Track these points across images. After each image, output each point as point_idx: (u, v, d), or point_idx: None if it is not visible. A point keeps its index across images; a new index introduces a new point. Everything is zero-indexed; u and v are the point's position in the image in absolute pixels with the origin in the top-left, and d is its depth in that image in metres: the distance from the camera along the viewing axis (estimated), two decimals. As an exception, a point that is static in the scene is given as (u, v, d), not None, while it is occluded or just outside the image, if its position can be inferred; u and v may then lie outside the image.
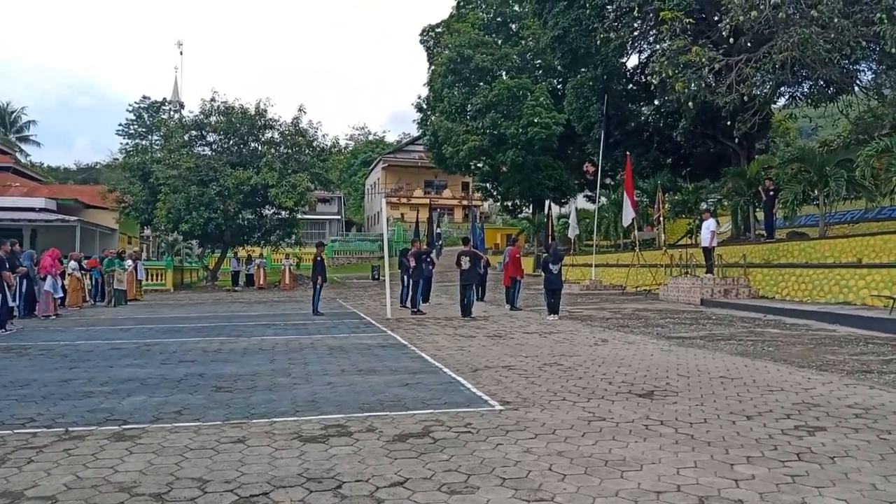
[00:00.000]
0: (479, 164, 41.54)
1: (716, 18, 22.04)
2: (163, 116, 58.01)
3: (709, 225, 18.54)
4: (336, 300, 22.44)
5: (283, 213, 33.24)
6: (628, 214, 24.26)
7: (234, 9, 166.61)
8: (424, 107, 43.76)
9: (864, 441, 4.85)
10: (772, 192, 20.16)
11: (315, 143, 34.42)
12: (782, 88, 23.58)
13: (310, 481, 4.03)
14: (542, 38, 31.85)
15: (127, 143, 58.07)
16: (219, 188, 29.95)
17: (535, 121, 34.88)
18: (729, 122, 22.30)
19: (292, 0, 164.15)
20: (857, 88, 22.33)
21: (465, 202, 61.81)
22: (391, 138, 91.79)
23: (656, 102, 29.36)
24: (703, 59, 18.56)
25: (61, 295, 18.23)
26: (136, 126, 68.34)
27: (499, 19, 42.13)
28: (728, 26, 18.32)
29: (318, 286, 17.02)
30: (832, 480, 4.00)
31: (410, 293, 17.23)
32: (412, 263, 16.88)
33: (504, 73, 38.52)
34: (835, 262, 16.37)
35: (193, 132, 33.54)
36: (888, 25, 16.16)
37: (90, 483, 4.01)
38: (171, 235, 39.83)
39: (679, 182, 30.59)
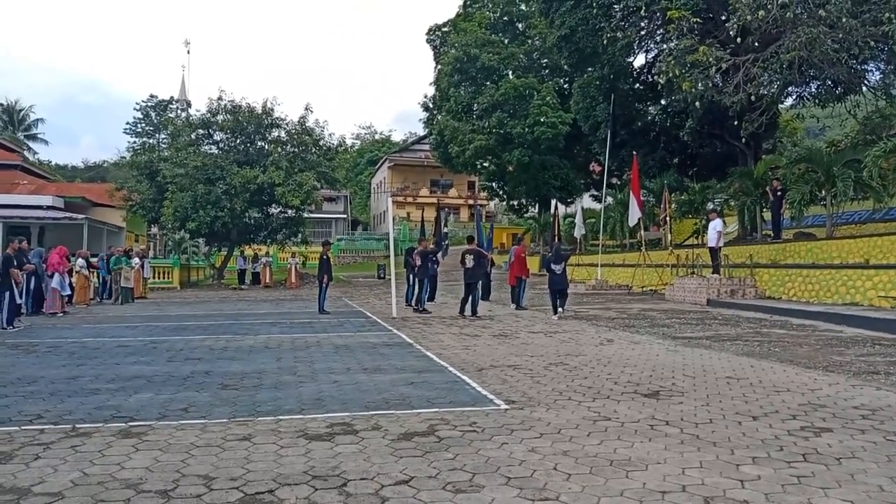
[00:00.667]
0: (486, 164, 41.52)
1: (723, 18, 21.97)
2: (170, 115, 58.17)
3: (715, 225, 18.48)
4: (342, 299, 22.47)
5: (290, 211, 33.32)
6: (634, 214, 24.20)
7: (243, 7, 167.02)
8: (431, 106, 43.80)
9: (870, 442, 4.83)
10: (779, 193, 20.08)
11: (321, 142, 34.48)
12: (790, 88, 23.49)
13: (315, 479, 4.04)
14: (548, 37, 31.80)
15: (134, 142, 58.14)
16: (226, 187, 30.04)
17: (542, 120, 34.84)
18: (736, 122, 22.24)
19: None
20: (865, 88, 22.23)
21: (470, 201, 61.77)
22: (397, 137, 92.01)
23: (663, 102, 29.27)
24: (711, 59, 18.49)
25: (69, 292, 18.31)
26: (143, 124, 68.48)
27: (505, 18, 42.09)
28: (735, 26, 18.26)
29: (323, 285, 17.04)
30: (838, 481, 3.99)
31: (416, 292, 17.25)
32: (418, 262, 16.91)
33: (510, 72, 38.49)
34: (842, 263, 16.30)
35: (200, 131, 33.64)
36: (897, 25, 16.08)
37: (97, 479, 4.03)
38: (177, 234, 40.05)
39: (686, 182, 30.50)
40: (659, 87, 23.28)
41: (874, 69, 22.20)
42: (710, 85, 19.79)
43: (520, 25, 42.15)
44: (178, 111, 59.21)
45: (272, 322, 14.63)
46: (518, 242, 19.88)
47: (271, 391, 6.76)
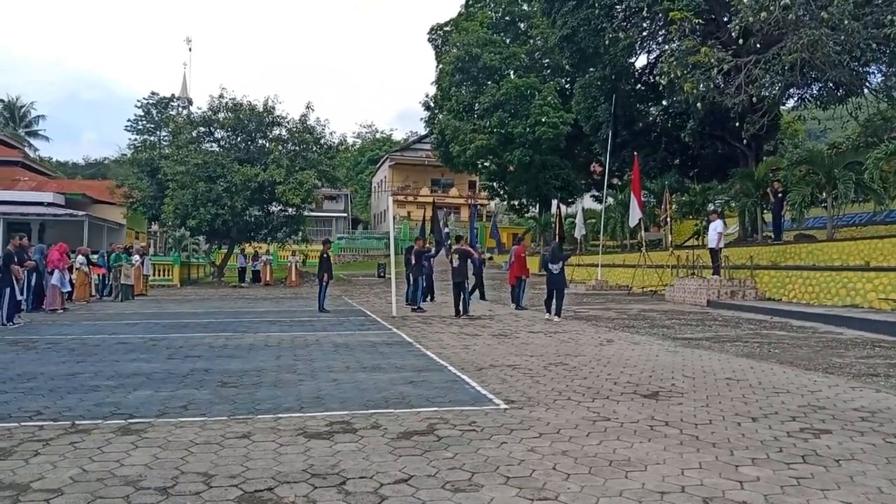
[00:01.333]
0: (486, 163, 41.53)
1: (725, 19, 21.97)
2: (171, 112, 58.16)
3: (716, 226, 18.48)
4: (342, 297, 22.47)
5: (290, 209, 33.31)
6: (635, 215, 24.20)
7: (245, 6, 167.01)
8: (432, 105, 43.79)
9: (869, 444, 4.83)
10: (780, 194, 20.09)
11: (322, 141, 34.45)
12: (791, 90, 23.51)
13: (314, 477, 4.04)
14: (550, 37, 31.81)
15: (135, 139, 58.20)
16: (226, 184, 30.02)
17: (543, 120, 34.84)
18: (737, 124, 22.22)
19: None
20: (866, 91, 22.24)
21: (471, 200, 61.71)
22: (398, 136, 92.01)
23: (664, 103, 29.28)
24: (712, 60, 18.49)
25: (69, 289, 18.31)
26: (144, 122, 68.55)
27: (507, 18, 42.09)
28: (737, 27, 18.26)
29: (324, 283, 17.04)
30: (837, 483, 3.99)
31: (413, 290, 17.39)
32: (414, 261, 17.09)
33: (512, 72, 38.49)
34: (842, 265, 16.31)
35: (202, 128, 33.61)
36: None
37: (96, 476, 4.03)
38: (178, 231, 40.04)
39: (686, 183, 30.51)
40: (660, 87, 23.27)
41: (876, 71, 22.23)
42: (712, 86, 19.81)
43: (521, 25, 42.15)
44: (180, 108, 59.15)
45: (272, 320, 14.63)
46: (518, 242, 19.87)
47: (271, 389, 6.76)
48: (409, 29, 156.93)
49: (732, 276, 18.80)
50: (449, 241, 22.77)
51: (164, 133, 51.28)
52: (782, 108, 26.58)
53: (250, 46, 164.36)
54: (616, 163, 30.20)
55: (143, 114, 69.40)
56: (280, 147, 33.03)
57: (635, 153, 25.55)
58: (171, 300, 21.65)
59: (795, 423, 5.44)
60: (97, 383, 7.02)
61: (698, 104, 20.41)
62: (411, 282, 17.85)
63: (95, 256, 23.06)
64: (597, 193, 40.82)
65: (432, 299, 17.83)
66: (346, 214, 66.37)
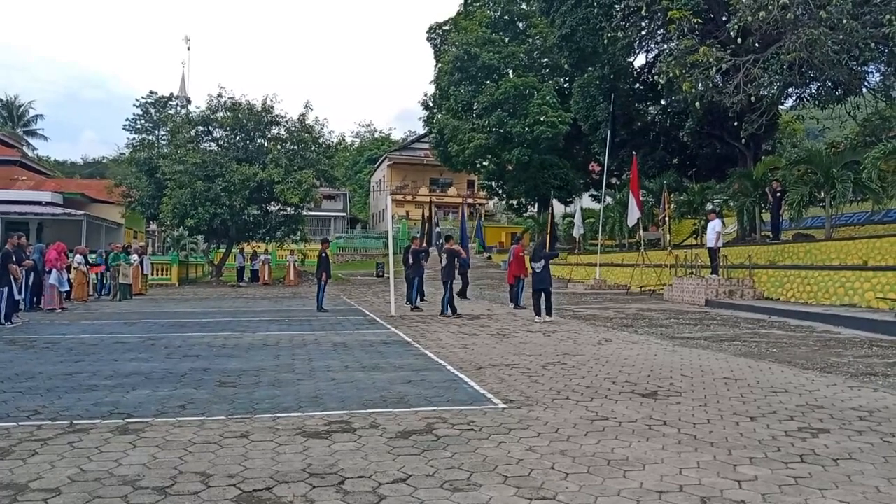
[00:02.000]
0: (485, 163, 41.53)
1: (724, 18, 21.98)
2: (170, 112, 58.10)
3: (714, 225, 18.49)
4: (340, 297, 22.46)
5: (289, 209, 33.30)
6: (633, 214, 24.23)
7: (243, 4, 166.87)
8: (431, 104, 43.79)
9: (867, 444, 4.83)
10: (778, 194, 20.10)
11: (321, 140, 34.42)
12: (790, 89, 23.51)
13: (313, 477, 4.03)
14: (549, 36, 31.84)
15: (133, 138, 58.01)
16: (225, 184, 29.98)
17: (542, 119, 34.85)
18: (736, 123, 22.23)
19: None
20: (865, 90, 22.26)
21: (469, 200, 61.73)
22: (397, 136, 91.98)
23: (663, 102, 29.31)
24: (711, 60, 18.51)
25: (67, 289, 18.29)
26: (142, 121, 68.38)
27: (506, 17, 42.09)
28: (736, 26, 18.27)
29: (322, 283, 17.04)
30: (835, 482, 3.99)
31: (412, 290, 17.44)
32: (411, 261, 17.19)
33: (511, 71, 38.48)
34: (840, 265, 16.32)
35: (200, 128, 33.57)
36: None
37: (94, 476, 4.02)
38: (176, 230, 39.96)
39: (685, 182, 30.52)
40: (659, 87, 23.31)
41: (874, 71, 22.25)
42: (711, 85, 19.83)
43: (520, 24, 42.15)
44: (178, 108, 59.10)
45: (270, 319, 14.63)
46: (517, 241, 19.86)
47: (269, 389, 6.76)
48: (407, 28, 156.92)
49: (731, 275, 18.82)
50: (440, 242, 22.88)
51: (162, 132, 51.22)
52: (781, 107, 26.60)
53: (249, 46, 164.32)
54: (615, 162, 30.23)
55: (141, 113, 69.24)
56: (279, 146, 33.00)
57: (634, 152, 25.58)
58: (170, 299, 21.64)
59: (793, 422, 5.44)
60: (95, 383, 7.02)
61: (697, 103, 20.42)
62: (413, 282, 17.88)
63: (94, 256, 23.05)
64: (595, 193, 40.85)
65: (422, 298, 17.85)
66: (344, 214, 66.34)
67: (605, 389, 6.75)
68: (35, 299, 16.95)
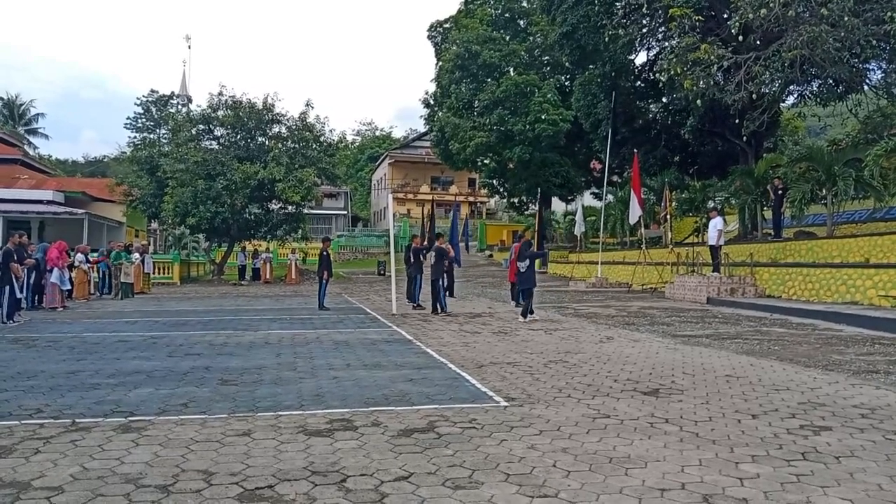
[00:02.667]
0: (486, 161, 41.46)
1: (725, 16, 21.94)
2: (171, 110, 58.05)
3: (716, 223, 18.48)
4: (342, 295, 22.47)
5: (290, 207, 33.32)
6: (635, 212, 24.22)
7: (243, 3, 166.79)
8: (431, 102, 43.71)
9: (869, 441, 4.83)
10: (780, 191, 20.08)
11: (322, 138, 34.43)
12: (791, 87, 23.45)
13: (315, 475, 4.04)
14: (550, 34, 31.75)
15: (135, 137, 57.95)
16: (226, 182, 30.00)
17: (543, 117, 34.78)
18: (737, 121, 22.20)
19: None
20: (866, 87, 22.20)
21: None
22: (398, 134, 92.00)
23: (664, 100, 29.24)
24: (712, 57, 18.47)
25: (69, 287, 18.31)
26: (143, 119, 68.27)
27: (507, 15, 42.00)
28: (737, 24, 18.23)
29: (323, 281, 17.06)
30: (837, 480, 3.99)
31: (414, 288, 17.47)
32: (412, 259, 17.22)
33: (512, 69, 38.40)
34: (842, 262, 16.30)
35: (201, 126, 33.58)
36: (899, 24, 16.05)
37: (96, 474, 4.03)
38: (178, 229, 40.02)
39: (686, 180, 30.49)
40: (660, 84, 23.28)
41: (876, 68, 22.17)
42: (712, 83, 19.76)
43: (521, 22, 42.06)
44: (179, 106, 59.04)
45: (272, 318, 14.64)
46: (518, 240, 19.85)
47: (271, 387, 6.77)
48: (408, 26, 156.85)
49: (732, 273, 18.81)
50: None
51: (163, 131, 51.11)
52: (782, 104, 26.51)
53: (250, 44, 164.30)
54: (616, 160, 30.20)
55: (142, 112, 69.06)
56: (280, 145, 33.00)
57: (635, 150, 25.54)
58: (171, 298, 21.66)
59: (795, 420, 5.44)
60: (97, 381, 7.02)
61: (698, 101, 20.37)
62: (415, 280, 17.90)
63: (95, 255, 23.07)
64: (597, 191, 40.80)
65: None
66: (345, 212, 66.36)
67: (606, 387, 6.75)
68: (37, 298, 16.98)
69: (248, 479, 3.95)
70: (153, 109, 67.46)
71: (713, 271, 18.54)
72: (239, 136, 33.30)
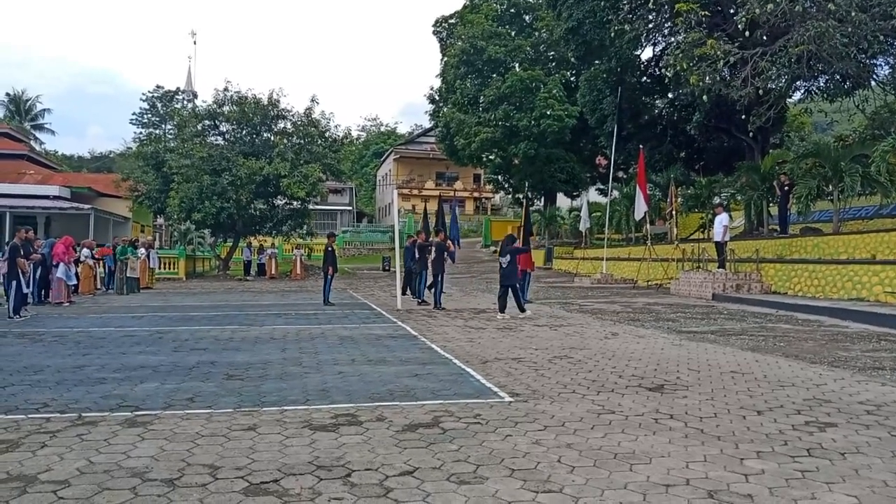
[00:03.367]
0: (491, 156, 41.48)
1: (731, 11, 21.82)
2: (176, 106, 58.20)
3: (721, 219, 18.42)
4: (347, 291, 22.50)
5: (295, 203, 33.30)
6: (640, 208, 24.15)
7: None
8: (437, 98, 43.71)
9: (875, 437, 4.82)
10: (786, 187, 19.99)
11: (327, 134, 34.42)
12: (798, 82, 23.33)
13: (320, 469, 4.05)
14: (555, 29, 31.72)
15: (140, 132, 58.20)
16: (231, 178, 30.02)
17: (548, 113, 34.74)
18: (743, 116, 22.11)
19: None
20: (873, 83, 22.08)
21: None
22: (403, 129, 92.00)
23: (670, 95, 29.17)
24: (719, 52, 18.40)
25: (75, 282, 18.37)
26: (149, 115, 68.57)
27: (512, 10, 41.93)
28: (744, 19, 18.15)
29: (328, 276, 17.08)
30: (842, 476, 3.98)
31: (417, 284, 17.51)
32: (417, 255, 17.25)
33: (517, 64, 38.38)
34: (848, 259, 16.25)
35: (206, 122, 33.59)
36: (907, 19, 15.97)
37: (103, 468, 4.05)
38: (183, 224, 40.03)
39: (692, 176, 30.43)
40: (666, 80, 23.21)
41: (883, 64, 22.07)
42: (718, 78, 19.70)
43: (527, 17, 42.00)
44: (185, 102, 59.23)
45: (277, 313, 14.67)
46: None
47: (276, 382, 6.79)
48: (413, 22, 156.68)
49: (738, 269, 18.76)
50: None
51: (169, 126, 51.34)
52: (788, 100, 26.41)
53: (255, 40, 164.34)
54: (621, 156, 30.13)
55: (148, 107, 69.43)
56: (285, 140, 33.00)
57: (641, 146, 25.46)
58: (177, 293, 21.72)
59: (801, 416, 5.43)
60: (103, 376, 7.05)
61: (704, 97, 20.30)
62: (420, 276, 17.93)
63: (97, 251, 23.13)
64: (602, 186, 40.78)
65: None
66: (350, 208, 66.36)
67: (611, 383, 6.74)
68: (43, 293, 17.04)
69: (254, 474, 3.96)
70: (159, 105, 67.75)
71: (719, 267, 18.49)
72: (244, 132, 33.31)
